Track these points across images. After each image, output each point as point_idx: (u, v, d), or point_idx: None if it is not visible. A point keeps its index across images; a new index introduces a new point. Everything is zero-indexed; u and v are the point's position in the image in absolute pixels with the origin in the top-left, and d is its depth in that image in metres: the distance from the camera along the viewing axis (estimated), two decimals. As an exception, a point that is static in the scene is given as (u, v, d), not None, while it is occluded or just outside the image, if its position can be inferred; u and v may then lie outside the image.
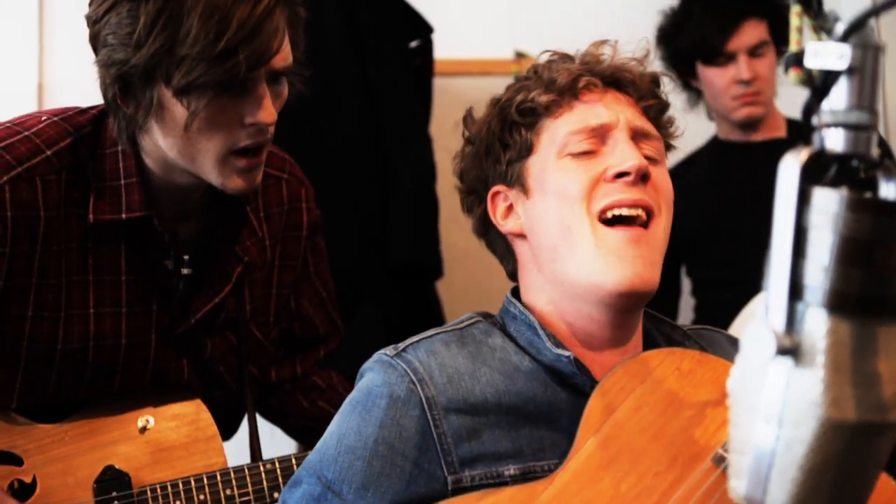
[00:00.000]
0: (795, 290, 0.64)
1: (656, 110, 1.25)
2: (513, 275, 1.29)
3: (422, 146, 2.35)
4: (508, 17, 2.88)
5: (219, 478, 1.43)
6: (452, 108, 2.88)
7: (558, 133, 1.19)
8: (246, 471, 1.45)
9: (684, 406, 1.08)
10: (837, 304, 0.63)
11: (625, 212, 1.14)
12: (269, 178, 1.48)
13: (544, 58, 1.27)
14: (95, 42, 1.26)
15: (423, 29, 2.42)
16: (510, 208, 1.24)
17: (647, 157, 1.18)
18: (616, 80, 1.23)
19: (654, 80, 1.26)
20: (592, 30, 2.88)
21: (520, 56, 2.85)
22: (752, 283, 2.24)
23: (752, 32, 2.36)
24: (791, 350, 0.64)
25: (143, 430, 1.44)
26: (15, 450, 1.40)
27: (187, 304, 1.44)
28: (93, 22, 1.25)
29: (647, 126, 1.22)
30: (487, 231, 1.30)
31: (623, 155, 1.16)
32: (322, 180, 2.19)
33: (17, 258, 1.29)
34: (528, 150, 1.21)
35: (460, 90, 2.81)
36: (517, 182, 1.22)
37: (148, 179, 1.35)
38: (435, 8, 2.55)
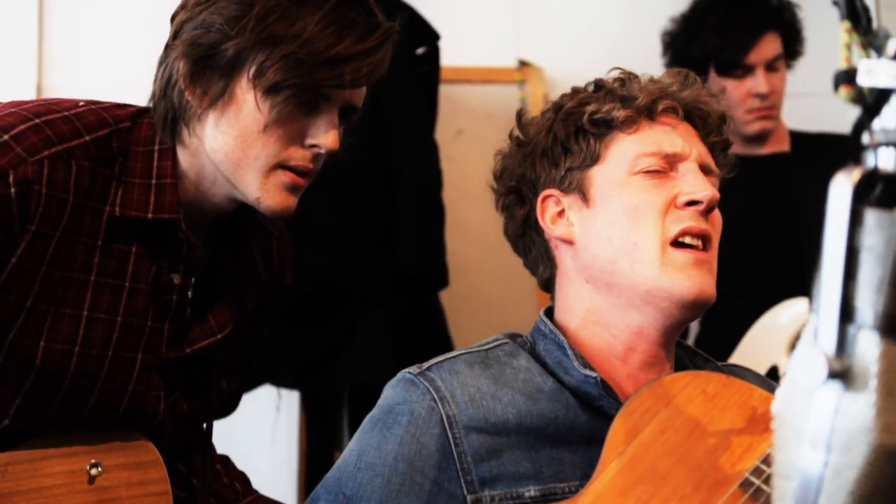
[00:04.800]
0: (846, 313, 0.63)
1: (721, 147, 1.27)
2: (547, 282, 1.28)
3: (428, 153, 2.34)
4: (512, 26, 2.87)
5: None
6: (454, 116, 2.89)
7: (630, 150, 1.20)
8: None
9: (710, 429, 1.06)
10: (891, 327, 0.62)
11: (688, 240, 1.16)
12: (259, 228, 1.40)
13: (614, 74, 1.27)
14: (183, 24, 1.22)
15: (430, 36, 2.41)
16: (561, 213, 1.23)
17: None
18: (693, 109, 1.24)
19: (723, 118, 1.27)
20: (596, 39, 2.91)
21: (523, 65, 2.84)
22: (757, 298, 2.25)
23: (771, 46, 2.35)
24: (841, 374, 0.63)
25: (92, 479, 1.29)
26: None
27: (185, 330, 1.33)
28: (195, 3, 1.22)
29: (713, 164, 1.24)
30: (524, 233, 1.28)
31: (696, 184, 1.17)
32: (328, 187, 2.18)
33: (37, 239, 1.19)
34: (593, 159, 1.21)
35: (462, 98, 2.80)
36: (576, 189, 1.22)
37: (181, 184, 1.28)
38: (438, 15, 2.54)
